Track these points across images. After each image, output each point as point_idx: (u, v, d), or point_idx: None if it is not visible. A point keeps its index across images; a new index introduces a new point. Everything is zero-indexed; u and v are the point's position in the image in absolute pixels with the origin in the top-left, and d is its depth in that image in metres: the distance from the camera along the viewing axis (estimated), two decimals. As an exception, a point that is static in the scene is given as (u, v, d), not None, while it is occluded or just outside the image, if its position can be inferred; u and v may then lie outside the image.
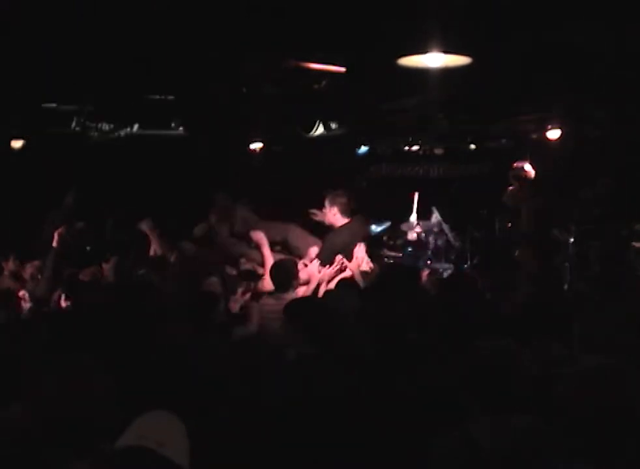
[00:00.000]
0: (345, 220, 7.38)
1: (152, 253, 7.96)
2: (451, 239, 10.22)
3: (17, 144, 10.53)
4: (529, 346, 3.59)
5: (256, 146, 11.71)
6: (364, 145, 12.45)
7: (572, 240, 9.42)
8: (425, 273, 7.59)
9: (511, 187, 9.99)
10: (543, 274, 8.40)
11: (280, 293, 5.80)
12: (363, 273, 6.46)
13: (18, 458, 2.38)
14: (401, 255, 10.21)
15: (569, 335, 4.15)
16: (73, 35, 6.27)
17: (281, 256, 7.08)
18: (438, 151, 12.40)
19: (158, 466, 2.04)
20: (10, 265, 7.94)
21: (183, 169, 11.32)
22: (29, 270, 7.72)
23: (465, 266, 10.36)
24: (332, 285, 6.21)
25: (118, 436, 2.16)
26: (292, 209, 8.92)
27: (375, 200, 11.42)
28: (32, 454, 2.36)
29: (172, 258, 7.58)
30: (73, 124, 9.51)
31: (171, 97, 9.27)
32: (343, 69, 7.72)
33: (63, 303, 6.12)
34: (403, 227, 10.30)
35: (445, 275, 8.86)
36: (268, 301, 5.85)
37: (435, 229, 10.39)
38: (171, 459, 2.06)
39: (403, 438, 2.83)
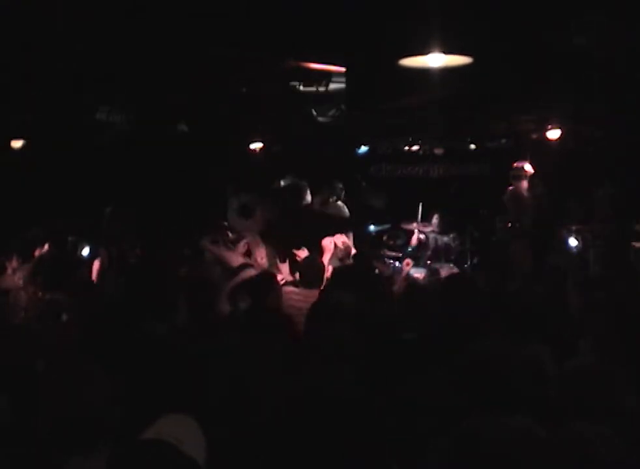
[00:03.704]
0: None
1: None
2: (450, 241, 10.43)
3: (17, 144, 10.53)
4: (526, 346, 3.59)
5: (256, 146, 11.71)
6: (364, 145, 12.46)
7: (573, 239, 9.44)
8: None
9: (511, 187, 10.00)
10: (537, 272, 8.40)
11: (307, 289, 5.79)
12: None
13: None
14: (401, 254, 10.23)
15: (566, 335, 4.16)
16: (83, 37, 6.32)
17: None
18: (438, 151, 12.40)
19: (175, 458, 2.05)
20: (14, 263, 7.98)
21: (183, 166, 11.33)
22: (23, 272, 7.73)
23: (465, 266, 10.39)
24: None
25: (122, 437, 2.16)
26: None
27: (375, 201, 11.43)
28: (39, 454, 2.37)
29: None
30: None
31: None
32: (343, 69, 7.73)
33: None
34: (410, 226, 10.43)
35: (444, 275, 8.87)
36: (294, 296, 5.82)
37: (436, 230, 10.48)
38: (188, 454, 2.07)
39: (401, 438, 2.83)
